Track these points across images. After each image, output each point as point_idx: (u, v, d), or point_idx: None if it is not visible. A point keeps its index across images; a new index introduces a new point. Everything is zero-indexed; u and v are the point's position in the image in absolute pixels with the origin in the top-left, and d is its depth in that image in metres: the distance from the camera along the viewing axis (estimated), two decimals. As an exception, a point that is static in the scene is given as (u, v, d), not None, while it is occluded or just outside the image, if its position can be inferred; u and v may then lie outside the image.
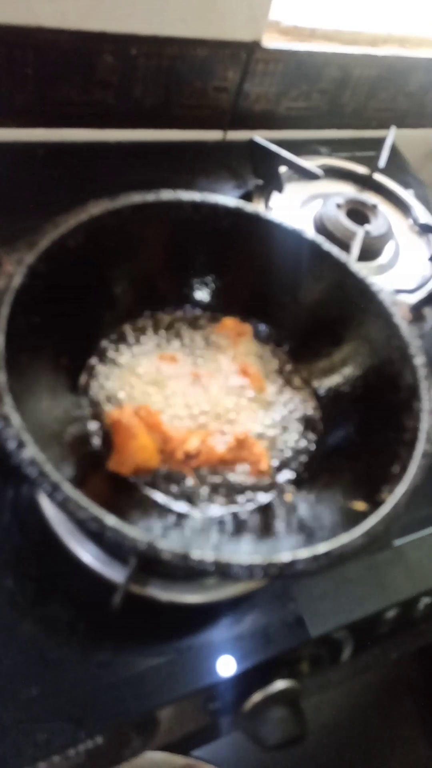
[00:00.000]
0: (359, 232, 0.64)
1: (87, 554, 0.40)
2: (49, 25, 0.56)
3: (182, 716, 0.41)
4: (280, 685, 0.41)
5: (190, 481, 0.41)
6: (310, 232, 0.46)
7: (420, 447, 0.36)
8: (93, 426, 0.42)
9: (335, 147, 0.81)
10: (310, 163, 0.66)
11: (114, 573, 0.40)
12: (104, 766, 0.39)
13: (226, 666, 0.41)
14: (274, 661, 0.42)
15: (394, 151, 0.82)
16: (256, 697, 0.41)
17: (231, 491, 0.41)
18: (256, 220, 0.46)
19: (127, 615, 0.37)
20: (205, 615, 0.42)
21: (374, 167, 0.75)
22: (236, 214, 0.46)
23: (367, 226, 0.66)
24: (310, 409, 0.47)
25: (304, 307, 0.48)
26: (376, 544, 0.35)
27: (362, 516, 0.33)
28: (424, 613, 0.51)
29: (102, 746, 0.37)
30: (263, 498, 0.42)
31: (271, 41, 0.68)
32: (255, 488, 0.42)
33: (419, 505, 0.46)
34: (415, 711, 0.81)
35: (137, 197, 0.42)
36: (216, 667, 0.40)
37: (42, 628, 0.39)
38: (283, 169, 0.66)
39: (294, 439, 0.45)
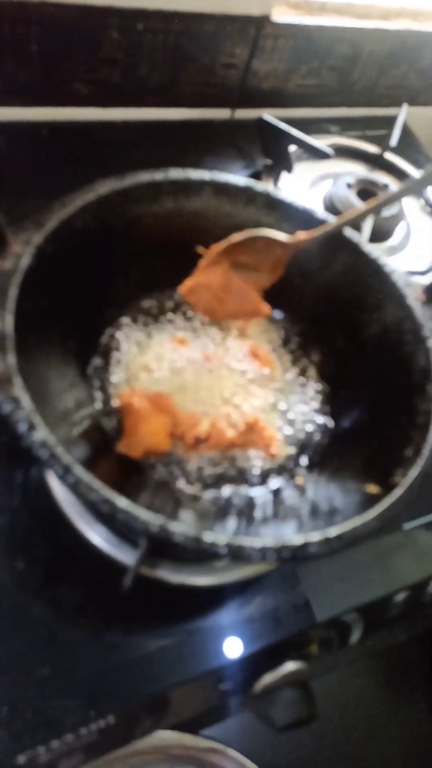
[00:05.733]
0: (370, 212, 0.63)
1: (96, 536, 0.40)
2: (54, 0, 0.55)
3: (193, 697, 0.42)
4: (289, 666, 0.41)
5: (200, 465, 0.41)
6: (321, 212, 0.45)
7: (433, 430, 0.36)
8: (103, 408, 0.42)
9: (345, 125, 0.79)
10: (321, 142, 0.64)
11: (123, 555, 0.40)
12: (116, 745, 0.40)
13: (236, 648, 0.41)
14: (284, 643, 0.42)
15: (406, 130, 0.80)
16: (266, 678, 0.41)
17: (241, 475, 0.41)
18: (265, 198, 0.45)
19: (137, 596, 0.37)
20: (215, 597, 0.42)
21: (385, 146, 0.74)
22: (246, 192, 0.45)
23: (378, 207, 0.65)
24: (321, 391, 0.46)
25: (315, 288, 0.47)
26: (389, 527, 0.35)
27: (375, 499, 0.33)
28: (433, 596, 0.51)
29: (113, 725, 0.37)
30: (274, 481, 0.41)
31: (281, 15, 0.66)
32: (266, 472, 0.42)
33: (429, 488, 0.46)
34: (421, 692, 0.81)
35: (146, 176, 0.42)
36: (226, 649, 0.40)
37: (53, 609, 0.39)
38: (292, 148, 0.65)
39: (305, 422, 0.45)
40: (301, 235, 0.41)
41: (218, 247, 0.41)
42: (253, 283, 0.42)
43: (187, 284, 0.42)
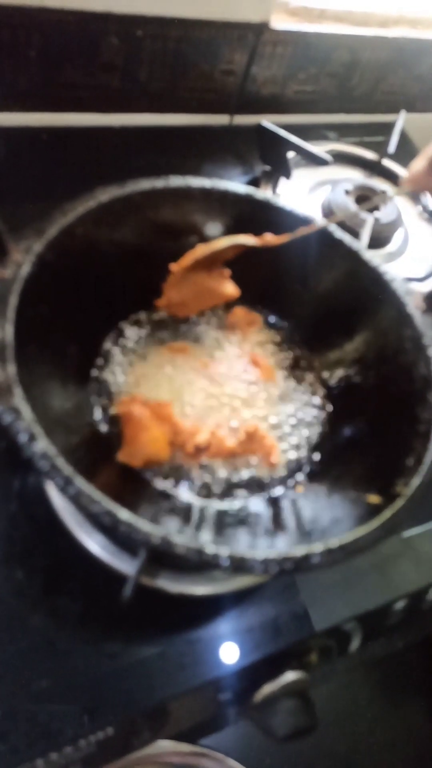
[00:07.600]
0: (369, 219, 0.63)
1: (95, 545, 0.40)
2: (53, 6, 0.55)
3: (192, 707, 0.41)
4: (289, 676, 0.41)
5: (200, 474, 0.41)
6: (320, 220, 0.45)
7: (435, 439, 0.36)
8: (103, 417, 0.41)
9: (343, 132, 0.79)
10: (319, 149, 0.64)
11: (122, 564, 0.39)
12: (114, 756, 0.39)
13: (236, 658, 0.40)
14: (283, 652, 0.42)
15: (404, 137, 0.80)
16: (267, 688, 0.41)
17: (241, 484, 0.41)
18: (266, 206, 0.45)
19: (136, 606, 0.36)
20: (215, 606, 0.42)
21: (383, 153, 0.74)
22: (246, 200, 0.45)
23: (376, 213, 0.65)
24: (321, 400, 0.46)
25: (315, 296, 0.47)
26: (391, 536, 0.34)
27: (376, 509, 0.33)
28: (432, 604, 0.50)
29: (112, 737, 0.37)
30: (274, 490, 0.41)
31: (280, 22, 0.67)
32: (266, 481, 0.41)
33: (428, 495, 0.46)
34: (420, 699, 0.81)
35: (146, 183, 0.42)
36: (225, 659, 0.40)
37: (51, 619, 0.39)
38: (291, 154, 0.65)
39: (305, 430, 0.44)
40: (269, 238, 0.44)
41: (185, 262, 0.43)
42: (218, 274, 0.45)
43: (163, 300, 0.45)
